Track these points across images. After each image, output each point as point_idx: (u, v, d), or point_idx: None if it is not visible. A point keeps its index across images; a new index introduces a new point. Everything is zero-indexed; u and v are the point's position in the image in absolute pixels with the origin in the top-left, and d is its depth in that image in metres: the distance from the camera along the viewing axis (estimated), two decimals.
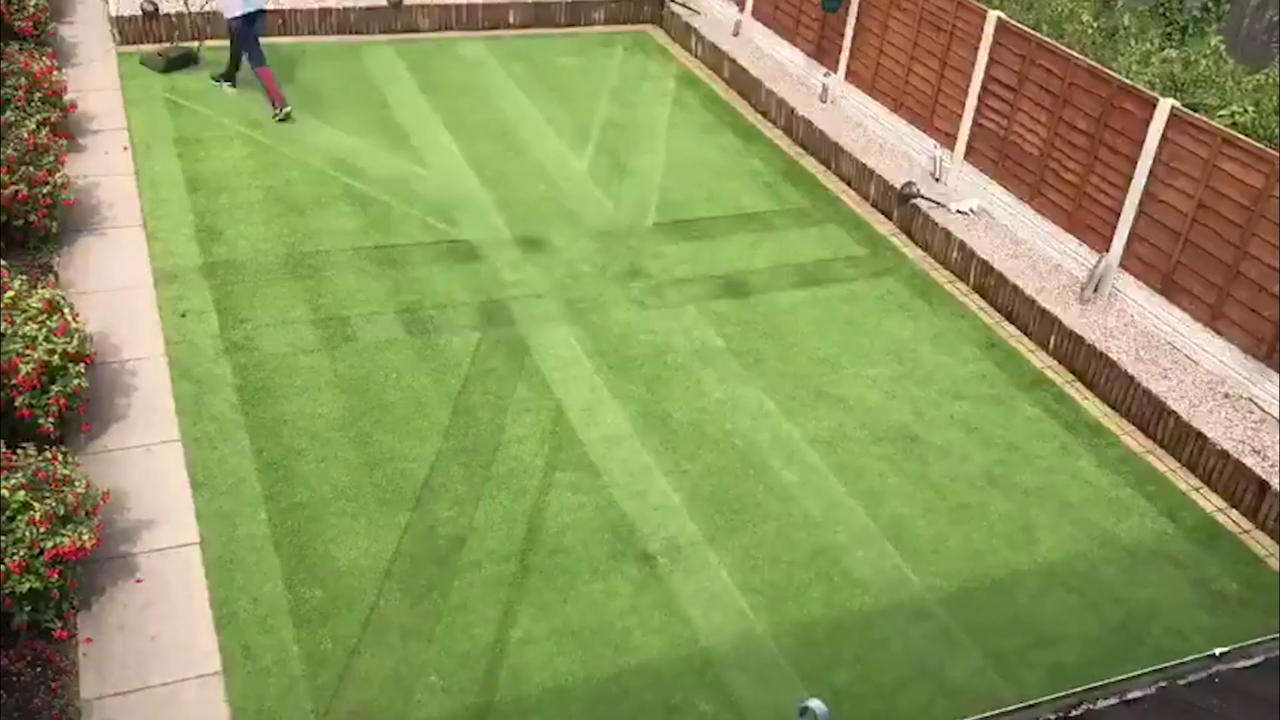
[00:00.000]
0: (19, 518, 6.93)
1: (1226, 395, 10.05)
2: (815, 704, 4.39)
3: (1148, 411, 10.01)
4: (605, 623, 7.71)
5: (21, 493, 7.05)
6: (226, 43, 14.55)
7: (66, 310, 8.87)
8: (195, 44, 15.28)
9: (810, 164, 14.40)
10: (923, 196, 12.86)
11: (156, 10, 15.52)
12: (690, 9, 17.87)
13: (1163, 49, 13.40)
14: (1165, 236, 10.70)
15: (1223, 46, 13.11)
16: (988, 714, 3.89)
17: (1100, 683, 3.95)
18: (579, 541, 8.34)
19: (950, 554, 8.58)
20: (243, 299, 10.62)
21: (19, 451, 7.53)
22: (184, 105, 14.08)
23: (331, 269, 11.22)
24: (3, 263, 9.24)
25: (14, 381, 7.93)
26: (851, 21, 14.68)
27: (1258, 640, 4.26)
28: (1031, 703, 3.76)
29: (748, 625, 7.81)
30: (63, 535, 7.01)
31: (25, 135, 10.74)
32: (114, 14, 15.52)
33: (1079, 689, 4.08)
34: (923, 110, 13.67)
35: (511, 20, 17.63)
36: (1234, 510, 9.27)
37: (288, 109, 13.90)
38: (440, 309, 10.79)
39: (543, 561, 8.14)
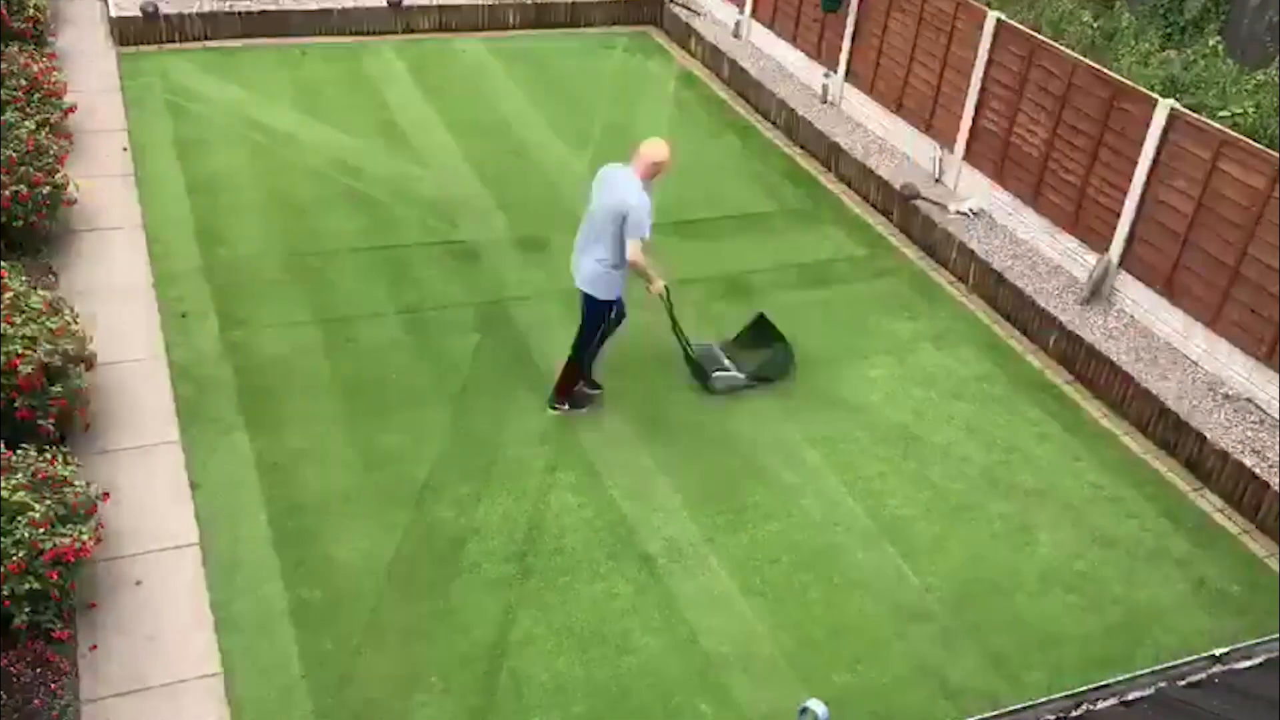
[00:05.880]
0: (19, 518, 6.92)
1: (1226, 395, 10.05)
2: (815, 704, 4.39)
3: (1148, 412, 10.01)
4: (605, 624, 7.71)
5: (21, 493, 7.05)
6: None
7: (66, 311, 8.88)
8: None
9: (810, 164, 14.40)
10: (923, 197, 12.85)
11: (157, 11, 15.53)
12: (690, 9, 17.87)
13: (1163, 49, 13.40)
14: (1165, 237, 10.70)
15: (1222, 47, 13.11)
16: (988, 714, 3.89)
17: (1100, 683, 3.94)
18: (579, 542, 8.33)
19: (950, 554, 8.58)
20: (243, 300, 10.62)
21: (19, 452, 7.53)
22: (184, 106, 14.07)
23: (332, 270, 11.22)
24: (3, 263, 9.24)
25: (14, 382, 7.92)
26: (851, 22, 14.68)
27: (1258, 640, 4.26)
28: (1031, 703, 3.76)
29: (748, 626, 7.80)
30: (62, 535, 7.01)
31: (25, 136, 10.74)
32: (114, 15, 15.52)
33: (1079, 689, 4.08)
34: (923, 111, 13.66)
35: (511, 20, 17.63)
36: (1234, 510, 9.26)
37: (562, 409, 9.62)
38: (440, 310, 10.79)
39: (543, 562, 8.14)
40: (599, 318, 9.18)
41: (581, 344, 9.32)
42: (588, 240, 8.93)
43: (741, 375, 10.05)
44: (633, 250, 8.59)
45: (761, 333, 10.43)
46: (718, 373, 9.99)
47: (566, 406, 9.56)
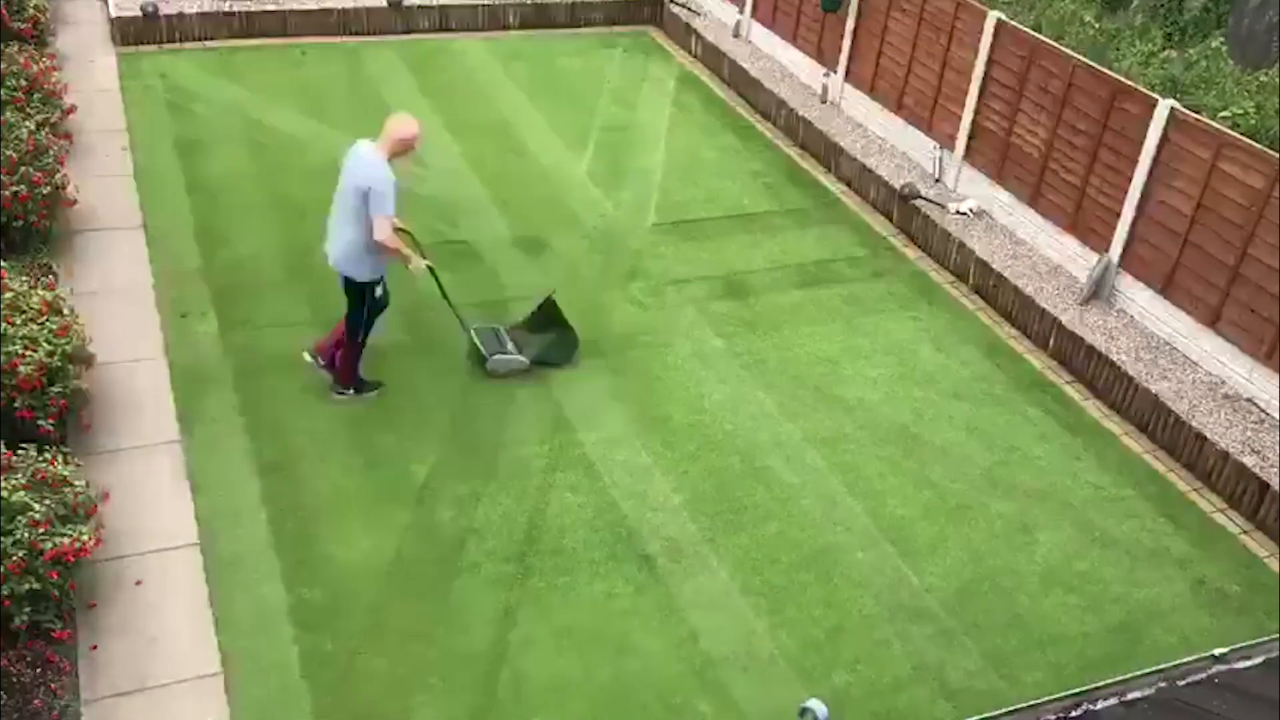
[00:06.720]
0: (19, 518, 6.93)
1: (1226, 396, 10.05)
2: (815, 704, 4.40)
3: (1148, 412, 10.01)
4: (605, 624, 7.71)
5: (21, 493, 7.05)
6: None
7: (66, 311, 8.88)
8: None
9: (810, 164, 14.40)
10: (923, 197, 12.86)
11: (157, 11, 15.53)
12: (690, 9, 17.87)
13: (1164, 50, 13.40)
14: (1165, 237, 10.70)
15: (1224, 47, 13.10)
16: (988, 714, 3.90)
17: (1100, 683, 3.94)
18: (579, 542, 8.34)
19: (950, 554, 8.58)
20: (243, 300, 10.62)
21: (19, 452, 7.53)
22: (184, 107, 14.08)
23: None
24: (3, 263, 9.25)
25: (14, 382, 7.93)
26: (851, 22, 14.68)
27: (1258, 640, 4.26)
28: (1031, 703, 3.76)
29: (748, 626, 7.80)
30: (62, 535, 7.01)
31: (25, 136, 10.74)
32: (114, 15, 15.52)
33: (1079, 689, 4.08)
34: (923, 111, 13.66)
35: (511, 20, 17.64)
36: (1234, 510, 9.26)
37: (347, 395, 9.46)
38: (440, 310, 10.77)
39: (543, 562, 8.14)
40: (360, 299, 8.98)
41: (349, 330, 9.11)
42: (338, 221, 8.74)
43: (524, 359, 9.86)
44: (380, 229, 8.43)
45: (548, 317, 10.15)
46: (497, 355, 9.79)
47: (350, 393, 9.39)
